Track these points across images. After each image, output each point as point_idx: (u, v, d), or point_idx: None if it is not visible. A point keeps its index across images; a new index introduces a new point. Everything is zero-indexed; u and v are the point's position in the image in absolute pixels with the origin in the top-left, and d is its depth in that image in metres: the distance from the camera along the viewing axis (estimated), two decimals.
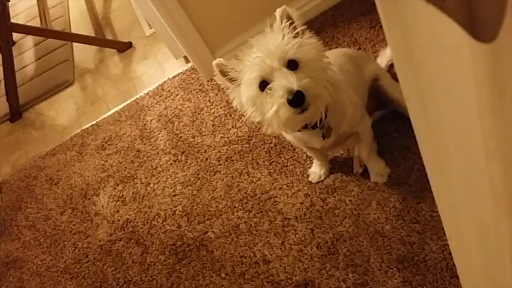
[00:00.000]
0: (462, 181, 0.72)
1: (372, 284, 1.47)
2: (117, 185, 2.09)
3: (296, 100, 1.19)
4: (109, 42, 2.74)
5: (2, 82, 2.77)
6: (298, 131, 1.41)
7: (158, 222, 1.90)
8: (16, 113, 2.67)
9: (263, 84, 1.24)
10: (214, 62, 1.34)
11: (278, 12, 1.29)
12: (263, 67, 1.23)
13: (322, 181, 1.72)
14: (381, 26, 2.02)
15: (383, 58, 1.85)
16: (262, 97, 1.25)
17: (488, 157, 0.63)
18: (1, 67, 2.73)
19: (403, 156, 1.65)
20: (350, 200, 1.64)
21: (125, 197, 2.03)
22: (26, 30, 2.89)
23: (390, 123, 1.73)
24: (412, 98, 0.65)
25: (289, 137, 1.53)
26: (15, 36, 3.04)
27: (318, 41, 1.31)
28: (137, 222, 1.94)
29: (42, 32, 2.82)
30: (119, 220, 1.98)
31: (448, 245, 1.40)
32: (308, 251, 1.59)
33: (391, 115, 1.72)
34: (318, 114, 1.31)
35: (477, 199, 0.73)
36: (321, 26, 2.11)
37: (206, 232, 1.79)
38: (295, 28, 1.29)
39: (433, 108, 0.64)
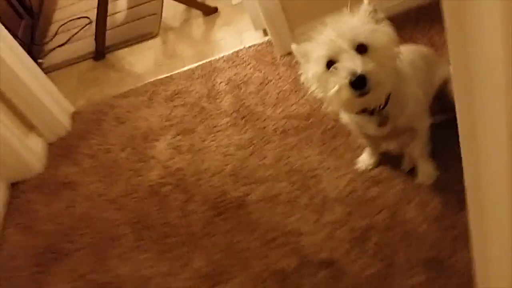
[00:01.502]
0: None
1: (395, 277, 1.49)
2: (177, 135, 2.21)
3: (358, 83, 1.23)
4: (197, 3, 2.85)
5: (94, 23, 2.97)
6: (357, 113, 1.45)
7: (206, 176, 2.00)
8: (100, 53, 2.85)
9: (330, 63, 1.29)
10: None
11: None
12: (332, 47, 1.28)
13: (369, 170, 1.75)
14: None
15: None
16: (327, 75, 1.30)
17: None
18: (96, 10, 2.90)
19: (454, 164, 1.64)
20: (392, 194, 1.66)
21: (182, 147, 2.15)
22: None
23: (449, 129, 1.69)
24: (461, 98, 0.66)
25: (346, 118, 1.57)
26: None
27: (392, 31, 1.34)
28: (187, 171, 2.05)
29: None
30: (171, 167, 2.10)
31: None
32: (340, 233, 1.64)
33: (452, 121, 1.71)
34: (378, 100, 1.35)
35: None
36: (402, 23, 2.11)
37: (248, 195, 1.87)
38: (374, 16, 1.33)
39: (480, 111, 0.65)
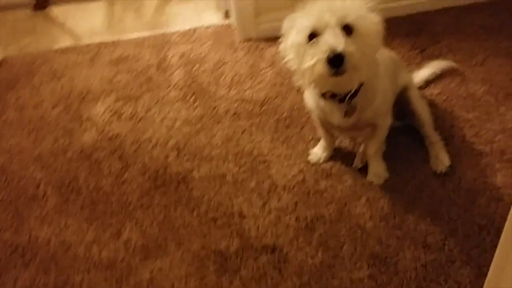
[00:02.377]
0: None
1: (338, 269, 1.46)
2: (119, 100, 2.06)
3: (335, 61, 1.21)
4: None
5: None
6: (325, 98, 1.42)
7: (147, 146, 1.87)
8: (41, 2, 2.61)
9: (312, 36, 1.26)
10: None
11: None
12: (319, 20, 1.25)
13: (320, 163, 1.73)
14: (420, 51, 2.08)
15: (416, 78, 1.89)
16: (306, 47, 1.27)
17: None
18: None
19: (404, 167, 1.68)
20: (341, 189, 1.65)
21: (123, 114, 2.00)
22: None
23: (403, 135, 1.76)
24: None
25: (311, 103, 1.54)
26: None
27: (381, 23, 1.34)
28: (127, 139, 1.91)
29: None
30: (109, 132, 1.94)
31: (421, 258, 1.42)
32: (286, 220, 1.59)
33: (406, 128, 1.76)
34: (350, 85, 1.33)
35: None
36: None
37: (192, 171, 1.77)
38: (368, 4, 1.32)
39: None
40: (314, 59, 1.24)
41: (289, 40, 1.32)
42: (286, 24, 1.36)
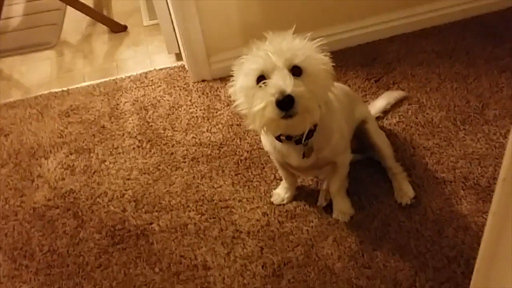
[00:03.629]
0: None
1: None
2: (71, 154, 1.97)
3: (285, 103, 1.16)
4: (105, 18, 2.68)
5: None
6: (280, 141, 1.38)
7: (103, 200, 1.79)
8: None
9: (261, 78, 1.22)
10: None
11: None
12: (266, 62, 1.21)
13: (284, 204, 1.68)
14: (375, 80, 2.07)
15: (372, 109, 1.87)
16: (255, 90, 1.23)
17: None
18: None
19: (369, 202, 1.64)
20: (307, 230, 1.60)
21: (75, 168, 1.92)
22: None
23: (365, 169, 1.73)
24: None
25: (268, 147, 1.50)
26: None
27: (330, 63, 1.31)
28: (81, 195, 1.82)
29: None
30: (62, 188, 1.85)
31: None
32: (252, 268, 1.52)
33: (367, 161, 1.73)
34: (302, 127, 1.28)
35: None
36: None
37: (151, 223, 1.69)
38: (316, 44, 1.29)
39: None
40: (263, 102, 1.19)
41: (238, 84, 1.28)
42: (234, 68, 1.32)
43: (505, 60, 2.08)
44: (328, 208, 1.64)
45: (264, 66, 1.21)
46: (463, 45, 2.20)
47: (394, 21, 2.28)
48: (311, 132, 1.34)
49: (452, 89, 1.99)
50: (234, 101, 1.31)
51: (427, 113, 1.91)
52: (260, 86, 1.21)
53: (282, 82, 1.17)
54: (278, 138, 1.37)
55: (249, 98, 1.25)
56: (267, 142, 1.48)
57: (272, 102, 1.17)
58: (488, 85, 1.98)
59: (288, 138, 1.35)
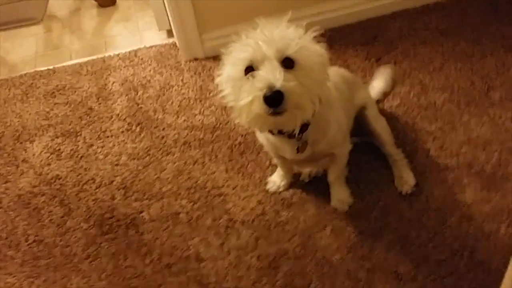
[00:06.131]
0: None
1: None
2: (57, 137, 1.89)
3: (273, 99, 1.05)
4: None
5: None
6: (273, 134, 1.28)
7: (91, 187, 1.71)
8: None
9: (249, 69, 1.12)
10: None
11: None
12: (256, 51, 1.10)
13: (279, 192, 1.61)
14: (376, 60, 1.98)
15: (372, 91, 1.79)
16: (242, 82, 1.12)
17: None
18: None
19: (369, 190, 1.57)
20: (304, 219, 1.53)
21: (62, 152, 1.83)
22: None
23: (364, 154, 1.65)
24: None
25: (261, 138, 1.41)
26: None
27: (326, 55, 1.20)
28: (67, 181, 1.74)
29: None
30: (47, 174, 1.77)
31: None
32: (247, 260, 1.46)
33: (366, 146, 1.65)
34: (292, 124, 1.17)
35: None
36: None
37: (141, 212, 1.62)
38: (312, 34, 1.18)
39: None
40: (250, 96, 1.08)
41: (225, 73, 1.17)
42: (223, 55, 1.22)
43: (511, 39, 1.99)
44: (327, 196, 1.57)
45: (253, 56, 1.10)
46: (467, 22, 2.10)
47: None
48: (305, 126, 1.24)
49: (456, 70, 1.90)
50: (220, 91, 1.21)
51: (430, 95, 1.82)
52: (248, 78, 1.11)
53: (271, 75, 1.06)
54: (270, 131, 1.27)
55: (236, 90, 1.14)
56: (259, 133, 1.39)
57: (259, 97, 1.06)
58: (494, 65, 1.89)
59: (281, 132, 1.25)
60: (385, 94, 1.82)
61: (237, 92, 1.13)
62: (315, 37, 1.16)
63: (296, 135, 1.24)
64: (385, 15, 2.18)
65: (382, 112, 1.70)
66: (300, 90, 1.08)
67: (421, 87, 1.85)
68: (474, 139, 1.66)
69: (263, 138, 1.40)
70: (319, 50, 1.15)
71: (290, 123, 1.16)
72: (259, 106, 1.07)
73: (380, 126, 1.60)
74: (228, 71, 1.16)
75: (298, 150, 1.31)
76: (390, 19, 2.16)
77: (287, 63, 1.10)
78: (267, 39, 1.10)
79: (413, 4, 2.19)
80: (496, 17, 2.10)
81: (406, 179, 1.55)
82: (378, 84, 1.82)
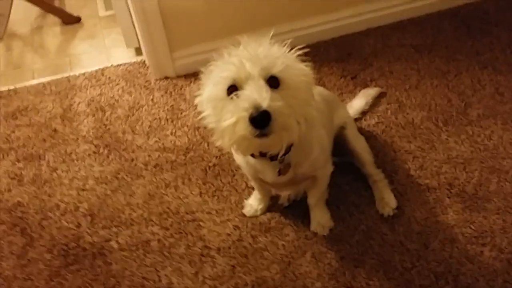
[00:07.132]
0: None
1: None
2: (18, 161, 1.77)
3: (260, 120, 0.99)
4: (56, 9, 2.46)
5: None
6: (253, 157, 1.22)
7: (54, 214, 1.60)
8: None
9: (233, 89, 1.05)
10: None
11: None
12: (239, 70, 1.04)
13: (257, 216, 1.54)
14: (351, 78, 1.94)
15: (350, 111, 1.74)
16: (225, 102, 1.05)
17: None
18: None
19: (349, 212, 1.52)
20: (283, 245, 1.46)
21: (24, 177, 1.72)
22: None
23: (343, 174, 1.60)
24: None
25: (240, 160, 1.34)
26: None
27: (312, 74, 1.14)
28: (30, 208, 1.63)
29: None
30: (8, 201, 1.66)
31: None
32: None
33: (345, 166, 1.60)
34: (278, 146, 1.11)
35: None
36: None
37: (109, 240, 1.52)
38: (296, 53, 1.13)
39: None
40: (234, 116, 1.01)
41: (206, 93, 1.11)
42: (203, 74, 1.15)
43: (485, 56, 1.99)
44: (306, 220, 1.50)
45: (237, 75, 1.04)
46: (441, 38, 2.09)
47: (369, 13, 2.15)
48: (288, 147, 1.18)
49: (433, 87, 1.88)
50: (200, 112, 1.14)
51: (407, 113, 1.79)
52: (232, 98, 1.04)
53: (257, 94, 1.00)
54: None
55: (217, 110, 1.07)
56: (237, 156, 1.32)
57: (244, 118, 1.00)
58: (470, 82, 1.88)
59: (262, 154, 1.19)
60: (363, 113, 1.79)
61: (219, 113, 1.06)
62: (299, 55, 1.10)
63: (279, 157, 1.17)
64: (359, 31, 2.16)
65: (360, 130, 1.66)
66: (287, 110, 1.02)
67: (399, 105, 1.82)
68: (454, 158, 1.62)
69: (241, 160, 1.33)
70: (304, 69, 1.10)
71: (276, 146, 1.10)
72: (244, 128, 1.00)
73: (360, 146, 1.55)
74: (209, 91, 1.09)
75: (280, 173, 1.25)
76: (364, 36, 2.14)
77: (273, 82, 1.04)
78: (251, 57, 1.04)
79: (387, 21, 2.18)
80: (469, 33, 2.10)
81: (387, 201, 1.50)
82: (358, 103, 1.78)
